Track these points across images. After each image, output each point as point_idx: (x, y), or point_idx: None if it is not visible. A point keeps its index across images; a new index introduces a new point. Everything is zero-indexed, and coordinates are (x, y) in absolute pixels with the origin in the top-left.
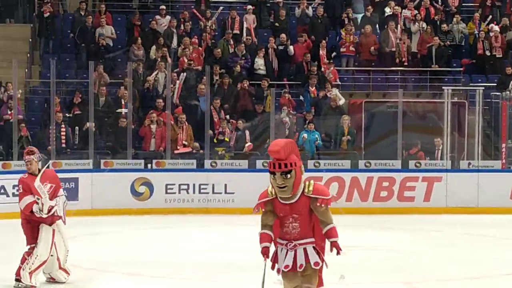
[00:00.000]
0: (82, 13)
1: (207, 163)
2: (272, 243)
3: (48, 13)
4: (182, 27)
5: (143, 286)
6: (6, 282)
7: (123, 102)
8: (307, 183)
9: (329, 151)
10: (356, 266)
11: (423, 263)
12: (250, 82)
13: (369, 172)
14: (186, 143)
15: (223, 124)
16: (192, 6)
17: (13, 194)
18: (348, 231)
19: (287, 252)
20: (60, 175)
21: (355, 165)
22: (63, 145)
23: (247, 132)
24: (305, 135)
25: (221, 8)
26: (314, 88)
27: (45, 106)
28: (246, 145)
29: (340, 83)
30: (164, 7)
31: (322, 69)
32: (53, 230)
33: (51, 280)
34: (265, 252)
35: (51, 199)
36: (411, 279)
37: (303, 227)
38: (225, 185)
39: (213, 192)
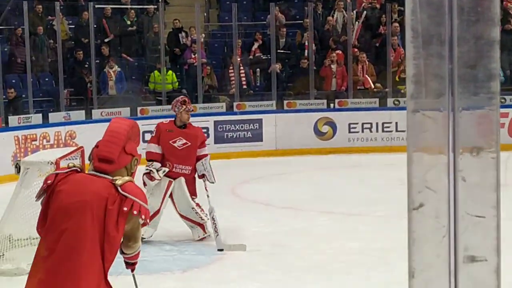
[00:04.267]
0: None
1: (390, 102)
2: None
3: None
4: None
5: (341, 224)
6: None
7: (306, 43)
8: None
9: None
10: None
11: None
12: None
13: None
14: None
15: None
16: None
17: None
18: None
19: None
20: (244, 117)
21: None
22: (244, 87)
23: None
24: None
25: None
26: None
27: (224, 49)
28: None
29: None
30: None
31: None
32: (169, 182)
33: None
34: None
35: (184, 160)
36: None
37: None
38: None
39: (397, 131)
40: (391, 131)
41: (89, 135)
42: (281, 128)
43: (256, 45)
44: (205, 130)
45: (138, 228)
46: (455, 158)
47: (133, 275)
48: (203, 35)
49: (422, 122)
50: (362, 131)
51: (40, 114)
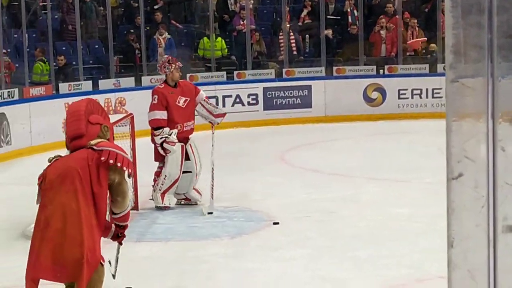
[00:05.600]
0: None
1: (440, 67)
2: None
3: None
4: None
5: (389, 190)
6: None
7: (349, 10)
8: None
9: None
10: None
11: None
12: None
13: None
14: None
15: None
16: None
17: (248, 103)
18: None
19: None
20: (293, 83)
21: None
22: (294, 53)
23: None
24: None
25: None
26: None
27: (273, 15)
28: None
29: None
30: None
31: None
32: (182, 147)
33: (185, 201)
34: None
35: (188, 117)
36: None
37: None
38: None
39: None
40: (441, 97)
41: (139, 102)
42: (330, 94)
43: (305, 12)
44: (254, 97)
45: (122, 183)
46: (494, 127)
47: (118, 248)
48: (252, 1)
49: (461, 92)
50: (412, 97)
51: (90, 81)
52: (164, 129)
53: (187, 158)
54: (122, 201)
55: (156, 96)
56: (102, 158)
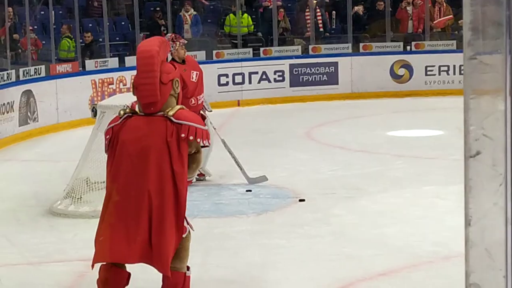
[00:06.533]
0: None
1: None
2: None
3: None
4: None
5: (416, 167)
6: None
7: None
8: None
9: None
10: None
11: None
12: None
13: None
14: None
15: None
16: None
17: (275, 80)
18: None
19: None
20: (320, 60)
21: None
22: (320, 30)
23: None
24: None
25: None
26: None
27: None
28: None
29: None
30: None
31: None
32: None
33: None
34: None
35: (200, 90)
36: None
37: None
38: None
39: None
40: None
41: None
42: (356, 71)
43: None
44: (280, 74)
45: (200, 151)
46: None
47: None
48: None
49: (479, 69)
50: (439, 74)
51: (117, 58)
52: None
53: None
54: (196, 168)
55: None
56: (182, 135)
